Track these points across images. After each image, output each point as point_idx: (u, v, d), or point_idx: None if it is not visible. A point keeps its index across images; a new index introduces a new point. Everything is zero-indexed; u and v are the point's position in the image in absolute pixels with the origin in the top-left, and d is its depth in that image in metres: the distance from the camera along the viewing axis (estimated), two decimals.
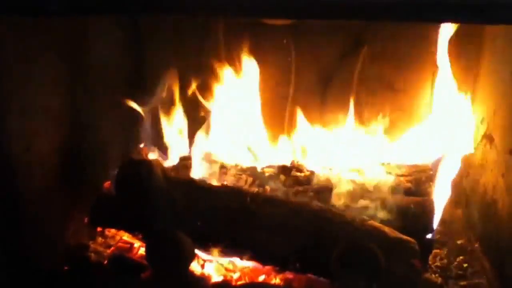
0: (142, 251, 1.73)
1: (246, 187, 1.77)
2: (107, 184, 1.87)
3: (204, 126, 1.97)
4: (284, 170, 1.83)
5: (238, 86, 2.00)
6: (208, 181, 1.75)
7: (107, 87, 1.95)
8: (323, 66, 2.02)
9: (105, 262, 1.70)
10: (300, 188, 1.74)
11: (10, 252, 1.52)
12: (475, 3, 1.21)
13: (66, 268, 1.65)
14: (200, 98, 1.98)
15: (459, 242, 1.85)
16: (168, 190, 1.61)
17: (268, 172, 1.82)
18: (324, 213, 1.58)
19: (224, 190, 1.66)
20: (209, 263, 1.68)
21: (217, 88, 1.99)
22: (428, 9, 1.22)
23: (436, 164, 1.77)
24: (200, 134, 1.94)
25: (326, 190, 1.71)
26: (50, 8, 1.26)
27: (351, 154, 1.92)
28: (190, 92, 1.97)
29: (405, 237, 1.53)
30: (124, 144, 1.95)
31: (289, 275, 1.63)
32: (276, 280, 1.64)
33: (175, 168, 1.86)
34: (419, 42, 1.95)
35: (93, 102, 1.89)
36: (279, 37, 1.97)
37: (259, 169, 1.84)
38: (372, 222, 1.56)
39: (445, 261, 1.77)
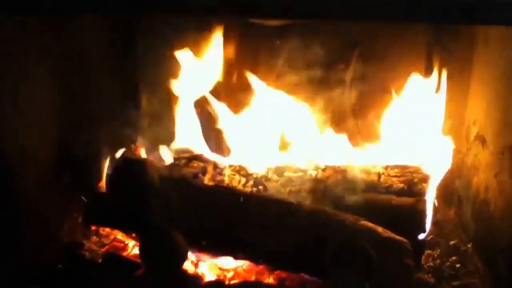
0: (136, 250, 1.73)
1: (239, 187, 1.78)
2: (101, 183, 1.88)
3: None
4: (278, 170, 1.84)
5: (233, 87, 2.01)
6: (202, 181, 1.76)
7: (102, 86, 1.96)
8: (316, 67, 2.03)
9: (100, 260, 1.70)
10: (294, 188, 1.75)
11: (5, 249, 1.52)
12: (467, 3, 1.22)
13: (60, 266, 1.65)
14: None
15: (452, 242, 1.86)
16: (162, 189, 1.61)
17: (262, 172, 1.83)
18: (317, 213, 1.59)
19: (217, 190, 1.67)
20: (203, 262, 1.68)
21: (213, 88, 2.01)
22: (419, 9, 1.23)
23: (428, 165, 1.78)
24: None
25: (319, 190, 1.72)
26: (43, 5, 1.26)
27: (344, 154, 1.93)
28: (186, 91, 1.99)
29: (398, 237, 1.54)
30: (118, 143, 1.95)
31: (282, 274, 1.64)
32: (269, 279, 1.65)
33: (169, 167, 1.87)
34: (413, 43, 1.97)
35: (88, 101, 1.90)
36: (271, 38, 1.98)
37: (252, 170, 1.85)
38: (365, 222, 1.57)
39: (438, 261, 1.77)
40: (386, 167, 1.81)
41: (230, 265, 1.68)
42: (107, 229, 1.83)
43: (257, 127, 2.03)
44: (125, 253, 1.73)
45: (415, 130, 1.94)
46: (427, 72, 1.93)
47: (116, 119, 1.95)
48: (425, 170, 1.78)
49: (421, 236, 1.65)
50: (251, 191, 1.71)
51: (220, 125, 2.00)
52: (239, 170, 1.85)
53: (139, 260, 1.61)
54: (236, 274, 1.67)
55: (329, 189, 1.73)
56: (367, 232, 1.54)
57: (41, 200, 1.65)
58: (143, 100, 2.00)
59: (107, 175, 1.68)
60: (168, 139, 2.01)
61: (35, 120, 1.63)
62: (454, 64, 1.93)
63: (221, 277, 1.65)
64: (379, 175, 1.78)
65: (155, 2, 1.30)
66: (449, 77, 1.91)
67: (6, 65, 1.47)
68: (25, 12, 1.36)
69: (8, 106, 1.49)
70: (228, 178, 1.81)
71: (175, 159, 1.91)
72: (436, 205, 1.79)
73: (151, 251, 1.57)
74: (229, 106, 2.02)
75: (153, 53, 2.08)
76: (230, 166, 1.87)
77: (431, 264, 1.76)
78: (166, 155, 1.95)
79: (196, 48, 1.99)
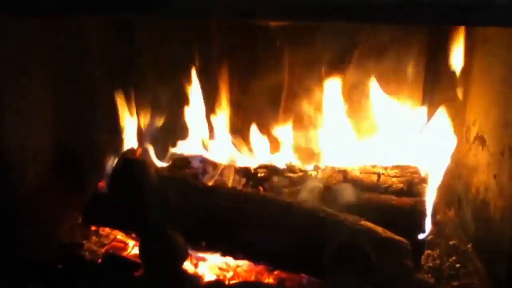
0: (136, 250, 1.73)
1: (239, 187, 1.78)
2: (101, 183, 1.89)
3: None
4: (277, 170, 1.84)
5: (232, 87, 2.02)
6: (202, 181, 1.77)
7: (101, 86, 1.96)
8: (315, 68, 2.03)
9: (99, 260, 1.70)
10: (293, 189, 1.75)
11: (4, 249, 1.52)
12: (466, 4, 1.22)
13: (60, 266, 1.65)
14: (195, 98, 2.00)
15: (451, 242, 1.86)
16: (161, 189, 1.62)
17: (261, 172, 1.83)
18: (316, 213, 1.59)
19: (217, 190, 1.67)
20: (202, 262, 1.69)
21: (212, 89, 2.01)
22: (419, 11, 1.23)
23: (428, 166, 1.78)
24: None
25: (318, 190, 1.72)
26: (44, 6, 1.26)
27: (344, 154, 1.94)
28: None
29: (397, 237, 1.54)
30: (118, 143, 1.95)
31: (282, 274, 1.64)
32: (269, 279, 1.65)
33: (169, 167, 1.87)
34: (412, 44, 1.97)
35: (87, 101, 1.90)
36: (272, 38, 1.98)
37: (252, 170, 1.85)
38: (365, 222, 1.57)
39: (437, 261, 1.77)
40: (386, 168, 1.81)
41: (230, 265, 1.68)
42: (107, 229, 1.84)
43: (257, 127, 2.04)
44: (125, 253, 1.74)
45: (416, 130, 1.94)
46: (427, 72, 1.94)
47: (116, 119, 1.96)
48: (425, 170, 1.77)
49: (421, 236, 1.65)
50: (251, 191, 1.71)
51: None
52: (239, 171, 1.85)
53: (139, 260, 1.61)
54: (236, 274, 1.67)
55: (329, 189, 1.73)
56: (367, 232, 1.54)
57: (41, 200, 1.65)
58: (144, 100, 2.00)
59: (108, 175, 1.68)
60: (169, 139, 2.02)
61: (35, 120, 1.63)
62: (454, 65, 1.93)
63: (221, 277, 1.65)
64: (378, 175, 1.78)
65: (151, 4, 1.30)
66: (449, 78, 1.91)
67: (6, 65, 1.47)
68: (26, 13, 1.36)
69: (8, 105, 1.50)
70: (228, 178, 1.81)
71: (175, 159, 1.91)
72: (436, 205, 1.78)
73: (151, 251, 1.58)
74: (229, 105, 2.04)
75: (154, 53, 2.09)
76: (230, 166, 1.87)
77: (430, 264, 1.76)
78: (166, 155, 1.95)
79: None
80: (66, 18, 1.68)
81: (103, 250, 1.76)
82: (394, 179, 1.76)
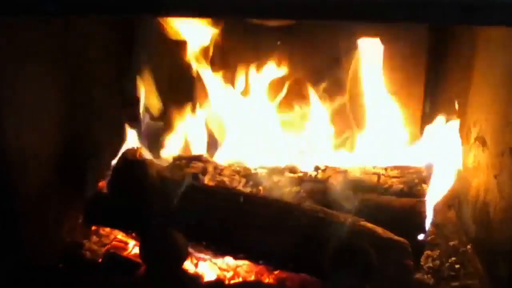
0: (136, 250, 1.73)
1: (239, 187, 1.78)
2: (102, 183, 1.89)
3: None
4: (278, 171, 1.84)
5: (232, 88, 2.02)
6: (203, 181, 1.77)
7: (102, 87, 1.96)
8: (316, 68, 2.04)
9: (100, 260, 1.71)
10: (294, 189, 1.76)
11: (5, 249, 1.53)
12: (467, 3, 1.22)
13: (60, 266, 1.65)
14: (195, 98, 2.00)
15: (451, 243, 1.86)
16: (162, 189, 1.62)
17: (262, 172, 1.84)
18: (316, 213, 1.60)
19: (217, 190, 1.68)
20: (203, 262, 1.69)
21: (212, 89, 2.01)
22: (420, 10, 1.23)
23: (429, 167, 1.78)
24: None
25: (319, 190, 1.73)
26: (47, 8, 1.27)
27: (344, 155, 1.94)
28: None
29: (397, 237, 1.54)
30: (119, 144, 1.96)
31: (282, 274, 1.65)
32: (269, 279, 1.65)
33: (169, 167, 1.87)
34: (412, 44, 1.98)
35: (88, 102, 1.91)
36: (273, 38, 1.98)
37: (252, 170, 1.85)
38: (365, 222, 1.57)
39: (437, 262, 1.77)
40: (386, 168, 1.81)
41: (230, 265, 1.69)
42: (107, 229, 1.84)
43: (256, 128, 2.04)
44: (125, 253, 1.73)
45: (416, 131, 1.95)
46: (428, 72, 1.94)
47: (117, 119, 1.96)
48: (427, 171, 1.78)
49: (421, 237, 1.65)
50: (251, 192, 1.71)
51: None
52: (239, 171, 1.85)
53: (139, 260, 1.62)
54: (236, 274, 1.67)
55: (329, 189, 1.73)
56: (367, 233, 1.54)
57: (42, 200, 1.65)
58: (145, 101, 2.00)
59: (108, 176, 1.69)
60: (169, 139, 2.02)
61: (36, 120, 1.63)
62: (455, 65, 1.93)
63: (221, 277, 1.65)
64: (378, 176, 1.78)
65: (151, 4, 1.30)
66: (449, 78, 1.92)
67: (6, 64, 1.47)
68: (28, 14, 1.36)
69: (9, 105, 1.50)
70: (229, 178, 1.81)
71: (175, 159, 1.91)
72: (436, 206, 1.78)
73: (151, 251, 1.58)
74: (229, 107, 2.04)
75: (156, 53, 2.10)
76: (230, 166, 1.88)
77: (430, 264, 1.76)
78: (167, 155, 1.95)
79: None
80: (72, 19, 1.69)
81: (103, 249, 1.76)
82: (394, 179, 1.76)
